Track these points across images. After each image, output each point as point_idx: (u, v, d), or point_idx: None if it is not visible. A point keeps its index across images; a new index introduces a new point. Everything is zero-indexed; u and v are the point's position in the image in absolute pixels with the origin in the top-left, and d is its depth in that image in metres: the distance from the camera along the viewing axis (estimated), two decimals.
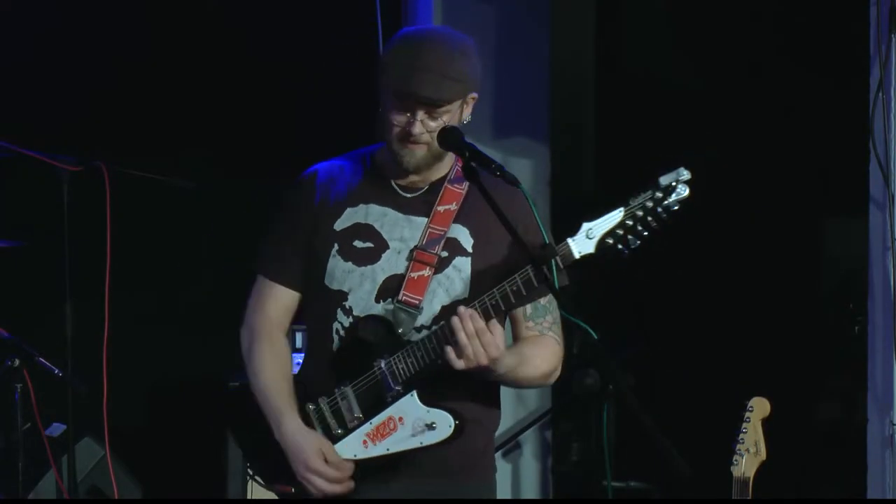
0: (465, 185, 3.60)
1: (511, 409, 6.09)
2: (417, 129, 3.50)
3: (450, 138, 3.48)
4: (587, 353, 5.61)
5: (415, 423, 3.49)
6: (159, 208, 5.76)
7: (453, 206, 3.59)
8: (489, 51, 6.08)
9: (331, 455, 3.54)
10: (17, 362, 4.84)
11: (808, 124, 5.62)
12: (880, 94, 4.68)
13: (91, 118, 5.79)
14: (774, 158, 5.75)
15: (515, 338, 3.66)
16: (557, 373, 3.67)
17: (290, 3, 6.10)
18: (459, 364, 3.40)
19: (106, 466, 5.12)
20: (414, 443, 3.50)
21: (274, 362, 3.69)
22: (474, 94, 3.58)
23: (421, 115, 3.49)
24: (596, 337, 3.27)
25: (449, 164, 3.64)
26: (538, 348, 3.60)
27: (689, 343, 6.01)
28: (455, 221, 3.59)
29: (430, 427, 3.48)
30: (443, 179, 3.63)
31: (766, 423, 4.01)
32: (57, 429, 5.22)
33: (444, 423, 3.48)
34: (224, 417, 3.85)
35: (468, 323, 3.39)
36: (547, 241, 3.41)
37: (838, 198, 5.52)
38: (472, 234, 3.59)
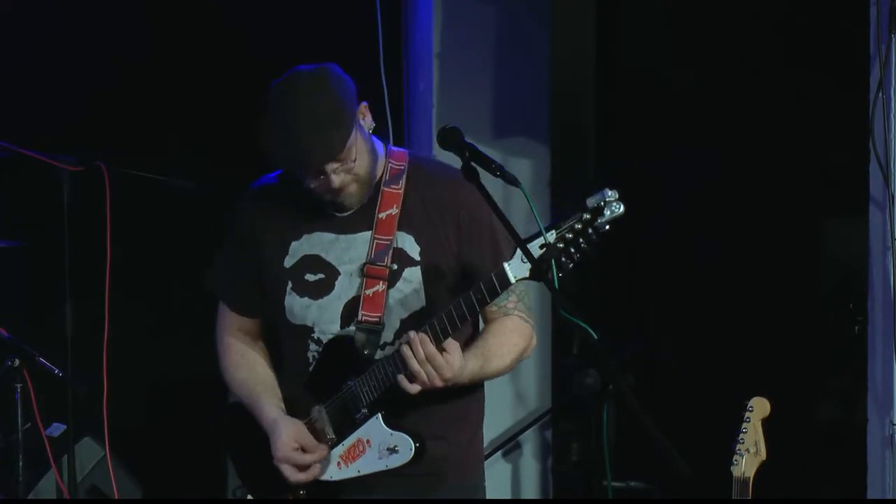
0: (402, 182, 3.59)
1: (511, 409, 6.09)
2: (337, 182, 3.48)
3: (450, 138, 3.47)
4: (587, 353, 5.61)
5: (380, 447, 3.53)
6: (159, 208, 5.76)
7: (394, 210, 3.57)
8: (489, 51, 6.08)
9: (304, 439, 3.56)
10: (17, 362, 4.84)
11: (808, 124, 5.61)
12: (880, 94, 4.68)
13: (91, 118, 5.78)
14: (774, 158, 5.75)
15: (485, 322, 3.66)
16: (531, 349, 3.68)
17: (290, 4, 6.10)
18: (414, 389, 3.42)
19: (106, 466, 5.12)
20: (381, 465, 3.53)
21: (241, 365, 3.76)
22: (363, 104, 3.53)
23: (331, 167, 3.47)
24: (596, 337, 3.27)
25: (381, 167, 3.61)
26: (502, 336, 3.60)
27: (688, 343, 6.00)
28: (399, 229, 3.57)
29: (393, 451, 3.51)
30: (378, 184, 3.60)
31: (766, 423, 4.00)
32: (57, 429, 5.22)
33: (406, 447, 3.50)
34: (221, 434, 3.87)
35: (419, 349, 3.39)
36: (546, 241, 3.40)
37: (838, 198, 5.51)
38: (417, 241, 3.58)
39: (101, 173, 4.91)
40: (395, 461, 3.50)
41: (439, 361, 3.39)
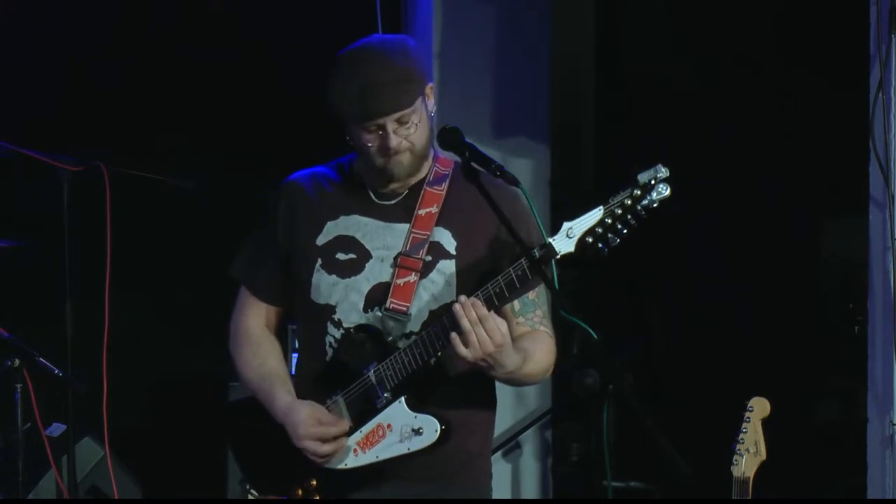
0: (445, 185, 3.61)
1: (511, 409, 6.09)
2: (394, 141, 3.50)
3: (450, 138, 3.48)
4: (587, 353, 5.61)
5: (402, 429, 3.49)
6: (159, 208, 5.76)
7: (434, 209, 3.58)
8: (489, 51, 6.08)
9: (323, 416, 3.55)
10: (17, 362, 4.84)
11: (808, 124, 5.61)
12: (880, 94, 4.68)
13: (91, 118, 5.79)
14: (774, 158, 5.75)
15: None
16: (552, 366, 3.67)
17: (290, 4, 6.11)
18: (466, 352, 3.38)
19: (106, 466, 5.13)
20: (402, 448, 3.50)
21: (257, 353, 3.72)
22: (430, 85, 3.58)
23: (392, 126, 3.49)
24: (596, 337, 3.27)
25: (427, 166, 3.63)
26: (536, 343, 3.59)
27: (688, 343, 6.00)
28: (437, 224, 3.58)
29: (417, 432, 3.48)
30: (421, 182, 3.62)
31: (766, 423, 4.01)
32: (57, 429, 5.22)
33: (430, 428, 3.48)
34: (222, 430, 3.85)
35: (470, 310, 3.37)
36: (547, 242, 3.41)
37: (838, 198, 5.51)
38: (455, 236, 3.58)
39: (101, 173, 4.91)
40: (419, 443, 3.48)
41: (491, 324, 3.36)
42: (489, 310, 3.41)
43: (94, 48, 5.85)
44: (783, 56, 5.77)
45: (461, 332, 3.38)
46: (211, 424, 5.32)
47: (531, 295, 3.58)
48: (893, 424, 4.67)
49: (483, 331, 3.37)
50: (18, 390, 4.85)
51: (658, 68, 6.19)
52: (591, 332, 3.27)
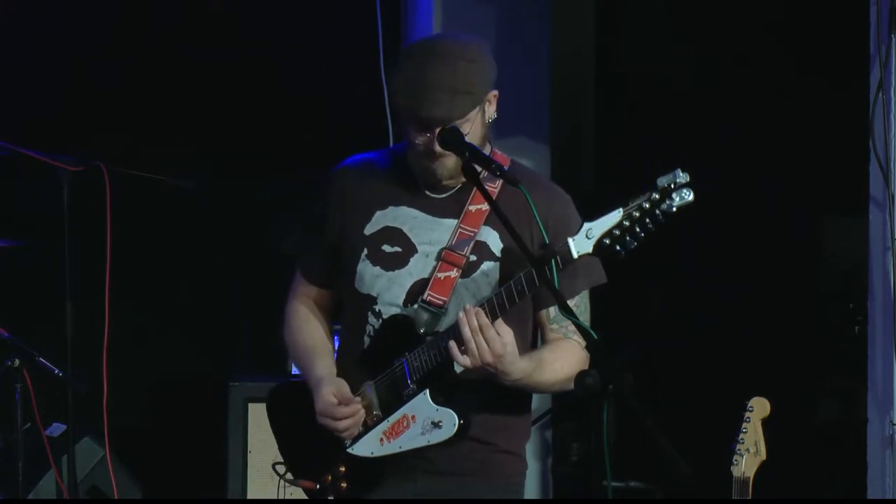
0: (499, 183, 3.58)
1: None
2: (440, 147, 3.49)
3: (450, 138, 3.47)
4: (587, 353, 5.61)
5: (424, 422, 3.51)
6: (159, 208, 5.76)
7: (485, 206, 3.56)
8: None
9: (341, 394, 3.56)
10: (17, 362, 4.84)
11: (808, 124, 5.61)
12: (880, 94, 4.68)
13: (91, 118, 5.79)
14: (774, 158, 5.75)
15: (543, 342, 3.66)
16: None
17: (290, 4, 6.11)
18: (464, 360, 3.40)
19: (106, 466, 5.13)
20: (422, 441, 3.52)
21: (302, 329, 3.73)
22: (494, 92, 3.57)
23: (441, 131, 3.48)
24: (596, 337, 3.27)
25: None
26: (559, 353, 3.60)
27: (688, 343, 6.00)
28: (486, 224, 3.57)
29: (437, 425, 3.50)
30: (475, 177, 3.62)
31: (766, 423, 4.00)
32: (57, 429, 5.23)
33: (449, 422, 3.49)
34: (267, 410, 3.82)
35: (472, 318, 3.38)
36: (547, 241, 3.41)
37: (838, 198, 5.51)
38: (502, 238, 3.57)
39: (101, 173, 4.92)
40: (438, 436, 3.49)
41: (491, 334, 3.38)
42: (498, 317, 3.42)
43: (94, 48, 5.85)
44: (783, 56, 5.77)
45: (461, 341, 3.40)
46: (211, 424, 5.34)
47: (571, 302, 3.56)
48: (893, 424, 4.67)
49: (482, 340, 3.39)
50: (18, 390, 4.85)
51: (658, 68, 6.19)
52: (591, 332, 3.27)
